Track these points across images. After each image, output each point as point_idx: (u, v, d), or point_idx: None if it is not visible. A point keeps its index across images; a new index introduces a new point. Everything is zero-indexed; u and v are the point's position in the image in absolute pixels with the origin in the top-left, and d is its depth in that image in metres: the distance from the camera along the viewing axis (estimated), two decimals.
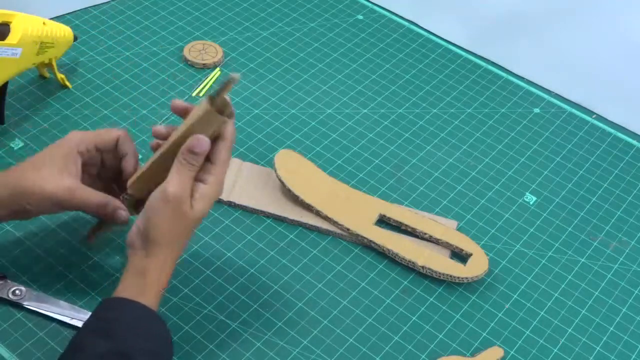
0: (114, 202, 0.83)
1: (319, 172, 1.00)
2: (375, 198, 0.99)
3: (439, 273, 0.91)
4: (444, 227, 0.95)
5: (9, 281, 0.87)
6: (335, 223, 0.95)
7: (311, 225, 0.96)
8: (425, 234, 0.94)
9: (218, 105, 0.76)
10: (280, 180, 0.97)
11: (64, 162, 0.82)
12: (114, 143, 0.85)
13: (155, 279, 0.76)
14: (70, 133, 0.84)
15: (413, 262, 0.92)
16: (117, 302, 0.75)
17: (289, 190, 0.96)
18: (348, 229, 0.95)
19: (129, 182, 0.82)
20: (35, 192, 0.80)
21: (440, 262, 0.92)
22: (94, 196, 0.82)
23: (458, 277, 0.91)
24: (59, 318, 0.84)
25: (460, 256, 0.94)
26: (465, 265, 0.92)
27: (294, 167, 0.98)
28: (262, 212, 0.96)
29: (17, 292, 0.86)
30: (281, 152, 1.00)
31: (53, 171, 0.81)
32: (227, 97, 0.76)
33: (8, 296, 0.85)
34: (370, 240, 0.94)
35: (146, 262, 0.76)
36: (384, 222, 0.97)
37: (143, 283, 0.76)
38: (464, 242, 0.94)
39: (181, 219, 0.76)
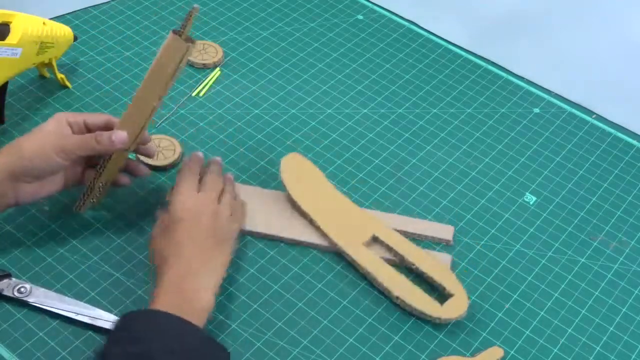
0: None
1: (324, 182, 0.98)
2: (375, 217, 0.95)
3: (412, 307, 0.87)
4: (434, 263, 0.91)
5: (13, 279, 0.87)
6: (324, 235, 0.93)
7: (310, 244, 0.94)
8: (413, 264, 0.91)
9: (184, 37, 0.83)
10: (282, 183, 0.97)
11: (56, 126, 0.87)
12: (103, 122, 0.89)
13: (166, 281, 0.80)
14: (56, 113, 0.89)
15: (389, 291, 0.89)
16: (130, 315, 0.78)
17: (289, 195, 0.96)
18: (336, 245, 0.93)
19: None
20: (36, 149, 0.84)
21: (416, 297, 0.88)
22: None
23: (430, 316, 0.87)
24: (65, 314, 0.85)
25: (443, 295, 0.89)
26: (442, 305, 0.87)
27: (299, 173, 0.98)
28: (257, 233, 0.95)
29: (22, 289, 0.86)
30: (289, 156, 0.99)
31: (48, 130, 0.86)
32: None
33: (14, 294, 0.85)
34: (353, 260, 0.91)
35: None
36: (377, 241, 0.94)
37: (157, 290, 0.80)
38: (449, 282, 0.89)
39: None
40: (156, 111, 0.87)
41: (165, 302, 0.78)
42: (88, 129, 0.89)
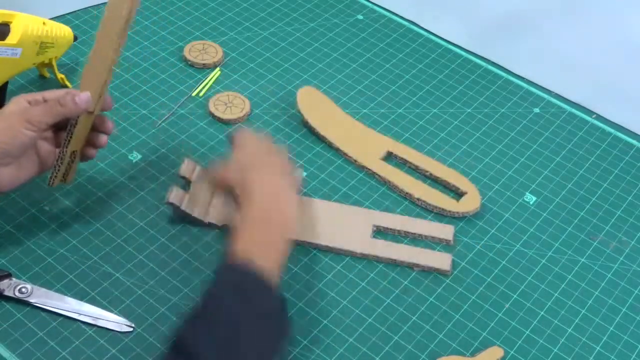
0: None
1: (337, 110, 1.08)
2: (385, 137, 1.06)
3: (432, 206, 0.98)
4: (444, 167, 1.02)
5: (14, 279, 0.87)
6: (345, 154, 1.03)
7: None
8: (427, 171, 1.01)
9: None
10: (300, 113, 1.06)
11: (17, 105, 0.86)
12: (62, 94, 0.87)
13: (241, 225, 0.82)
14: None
15: (410, 194, 0.99)
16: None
17: (307, 123, 1.05)
18: (355, 161, 1.02)
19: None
20: (3, 128, 0.83)
21: (435, 197, 0.99)
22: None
23: (450, 211, 0.98)
24: (66, 314, 0.85)
25: (457, 194, 1.00)
26: (458, 202, 0.98)
27: (314, 103, 1.07)
28: (319, 245, 0.94)
29: (23, 289, 0.86)
30: (304, 89, 1.09)
31: (10, 110, 0.85)
32: None
33: (14, 294, 0.85)
34: (374, 172, 1.01)
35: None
36: (391, 158, 1.04)
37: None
38: (461, 182, 1.00)
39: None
40: (115, 63, 0.86)
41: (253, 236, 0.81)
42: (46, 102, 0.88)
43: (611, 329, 0.90)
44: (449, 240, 0.95)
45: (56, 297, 0.86)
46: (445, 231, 0.96)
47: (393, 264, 0.93)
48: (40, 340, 0.83)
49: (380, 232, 0.96)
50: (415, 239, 0.96)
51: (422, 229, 0.96)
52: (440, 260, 0.93)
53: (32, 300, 0.85)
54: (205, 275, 0.90)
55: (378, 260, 0.93)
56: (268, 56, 1.17)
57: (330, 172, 1.02)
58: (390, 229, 0.96)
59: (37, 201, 0.95)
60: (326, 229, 0.95)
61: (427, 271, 0.93)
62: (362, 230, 0.95)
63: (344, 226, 0.95)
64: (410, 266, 0.93)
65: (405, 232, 0.96)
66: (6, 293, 0.85)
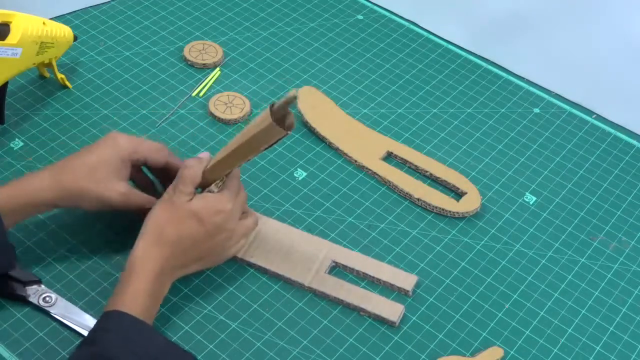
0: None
1: (337, 110, 1.08)
2: (385, 137, 1.06)
3: (433, 206, 0.98)
4: (444, 167, 1.02)
5: (43, 287, 0.86)
6: (345, 154, 1.03)
7: (318, 291, 0.90)
8: (427, 171, 1.01)
9: (278, 117, 0.79)
10: (299, 113, 1.06)
11: (118, 167, 0.85)
12: (163, 163, 0.89)
13: (140, 268, 0.80)
14: (120, 138, 0.87)
15: (410, 195, 0.99)
16: (106, 315, 0.77)
17: (307, 123, 1.05)
18: (356, 161, 1.02)
19: None
20: (92, 196, 0.85)
21: (435, 197, 0.99)
22: (145, 199, 0.87)
23: (450, 211, 0.97)
24: (81, 332, 0.84)
25: (457, 194, 1.00)
26: (458, 202, 0.98)
27: (314, 103, 1.07)
28: (268, 270, 0.91)
29: (47, 298, 0.85)
30: (304, 88, 1.09)
31: (109, 176, 0.85)
32: (290, 111, 0.79)
33: (38, 302, 0.85)
34: (374, 172, 1.01)
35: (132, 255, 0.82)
36: (391, 158, 1.04)
37: (126, 282, 0.80)
38: (461, 182, 1.00)
39: (171, 207, 0.83)
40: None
41: (139, 299, 0.79)
42: (146, 164, 0.89)
43: (611, 329, 0.90)
44: (408, 291, 0.90)
45: (76, 312, 0.85)
46: (406, 281, 0.90)
47: (340, 304, 0.89)
48: (40, 341, 0.83)
49: (338, 269, 0.92)
50: (374, 283, 0.91)
51: (383, 274, 0.91)
52: (390, 309, 0.88)
53: (52, 311, 0.85)
54: (205, 275, 0.90)
55: (326, 298, 0.89)
56: (268, 56, 1.17)
57: (330, 172, 1.03)
58: (349, 267, 0.91)
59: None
60: (278, 255, 0.91)
61: (374, 318, 0.88)
62: (317, 264, 0.91)
63: (298, 256, 0.91)
64: (357, 310, 0.88)
65: (364, 273, 0.91)
66: (31, 299, 0.85)
